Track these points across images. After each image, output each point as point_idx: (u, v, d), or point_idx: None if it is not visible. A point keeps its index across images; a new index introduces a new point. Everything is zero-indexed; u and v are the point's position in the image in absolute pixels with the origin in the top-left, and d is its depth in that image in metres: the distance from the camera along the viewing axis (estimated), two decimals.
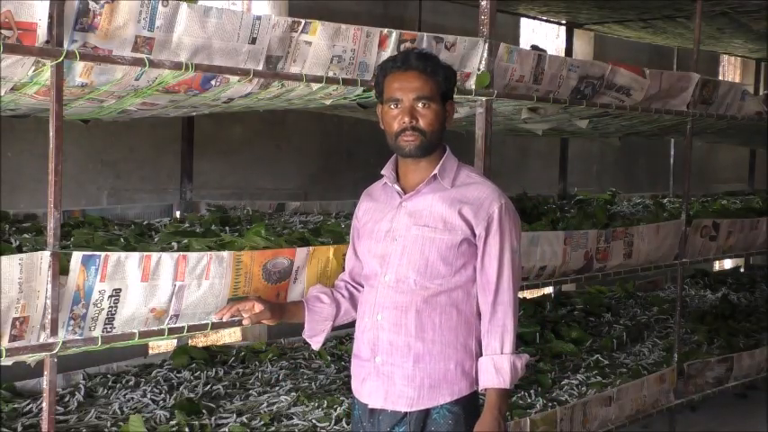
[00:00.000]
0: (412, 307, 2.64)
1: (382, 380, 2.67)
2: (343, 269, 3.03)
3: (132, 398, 4.03)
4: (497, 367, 2.62)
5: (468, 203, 2.63)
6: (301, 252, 3.05)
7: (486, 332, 2.65)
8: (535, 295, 6.97)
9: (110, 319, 2.59)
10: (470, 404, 2.69)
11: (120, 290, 2.58)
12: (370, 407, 2.69)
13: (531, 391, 4.51)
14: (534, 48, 4.45)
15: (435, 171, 2.66)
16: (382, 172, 2.76)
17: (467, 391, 2.66)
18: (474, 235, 2.64)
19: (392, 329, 2.65)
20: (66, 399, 3.96)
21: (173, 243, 3.44)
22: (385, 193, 2.76)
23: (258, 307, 2.75)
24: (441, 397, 2.64)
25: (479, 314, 2.68)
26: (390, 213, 2.70)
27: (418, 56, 2.67)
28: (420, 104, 2.61)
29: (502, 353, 2.63)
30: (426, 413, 2.64)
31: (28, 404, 3.82)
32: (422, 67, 2.63)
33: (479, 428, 2.60)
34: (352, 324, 2.97)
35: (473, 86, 3.58)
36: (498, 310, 2.64)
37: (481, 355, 2.67)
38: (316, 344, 2.88)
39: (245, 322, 2.79)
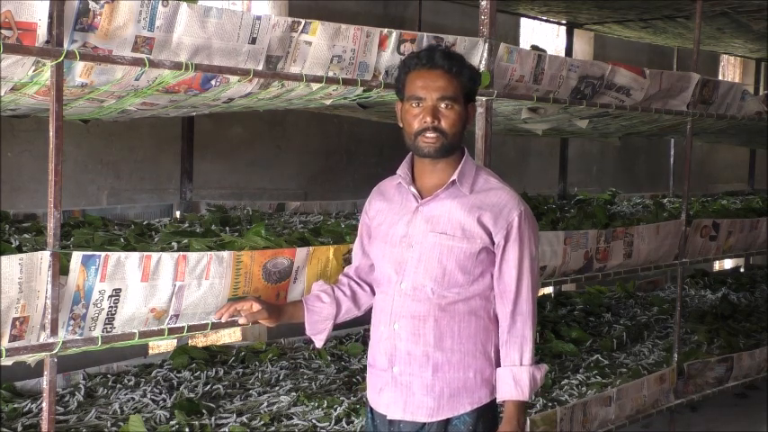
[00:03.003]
0: (430, 316, 2.59)
1: (400, 390, 2.62)
2: (343, 267, 3.02)
3: (132, 398, 4.03)
4: (516, 379, 2.58)
5: (487, 210, 2.57)
6: (301, 252, 3.05)
7: (505, 342, 2.61)
8: None
9: (110, 319, 2.59)
10: (490, 411, 2.65)
11: (120, 290, 2.58)
12: (389, 418, 2.66)
13: None
14: (534, 48, 4.45)
15: (454, 177, 2.59)
16: (398, 172, 2.69)
17: (487, 399, 2.63)
18: (492, 243, 2.58)
19: (410, 339, 2.60)
20: (66, 399, 3.96)
21: (173, 243, 3.44)
22: (399, 193, 2.70)
23: (256, 306, 2.73)
24: (461, 406, 2.60)
25: (498, 320, 2.64)
26: (406, 217, 2.64)
27: (444, 54, 2.59)
28: (443, 105, 2.54)
29: (521, 364, 2.59)
30: (446, 422, 2.60)
31: (28, 404, 3.82)
32: (447, 67, 2.56)
33: None
34: (352, 324, 2.95)
35: None
36: (517, 320, 2.60)
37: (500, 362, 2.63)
38: (318, 342, 2.86)
39: (241, 321, 2.77)
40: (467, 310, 2.60)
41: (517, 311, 2.60)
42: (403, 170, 2.68)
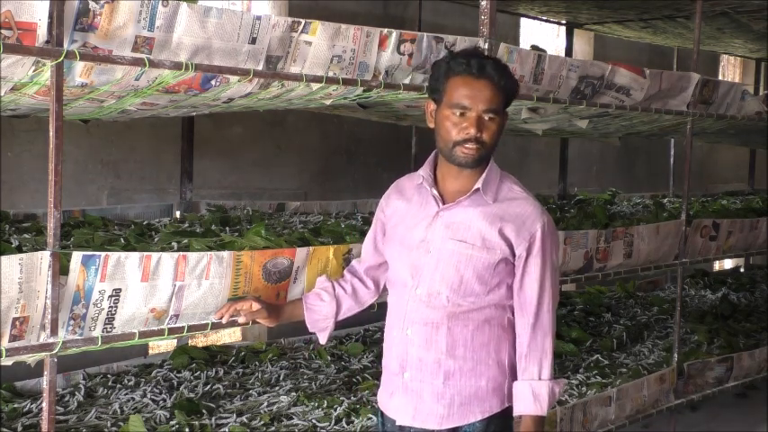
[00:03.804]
0: (443, 324, 2.55)
1: (411, 396, 2.59)
2: (344, 269, 3.02)
3: (132, 398, 4.03)
4: (536, 394, 2.54)
5: (509, 221, 2.53)
6: (301, 252, 3.04)
7: (524, 355, 2.56)
8: None
9: (110, 319, 2.59)
10: (501, 421, 2.61)
11: (120, 290, 2.58)
12: (398, 423, 2.63)
13: None
14: (534, 48, 4.45)
15: (479, 185, 2.54)
16: (420, 172, 2.63)
17: (498, 408, 2.58)
18: (513, 254, 2.54)
19: (422, 345, 2.57)
20: (66, 399, 3.96)
21: (173, 243, 3.44)
22: (419, 194, 2.64)
23: (255, 306, 2.74)
24: (471, 415, 2.56)
25: (513, 328, 2.60)
26: (425, 221, 2.58)
27: (494, 65, 2.52)
28: (488, 117, 2.48)
29: (540, 378, 2.55)
30: (455, 430, 2.58)
31: (28, 404, 3.82)
32: (496, 79, 2.49)
33: None
34: (352, 324, 2.94)
35: None
36: (538, 333, 2.56)
37: (515, 369, 2.59)
38: (322, 338, 2.85)
39: (240, 320, 2.77)
40: (481, 318, 2.56)
41: (538, 325, 2.56)
42: (425, 171, 2.62)
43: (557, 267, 2.60)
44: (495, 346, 2.58)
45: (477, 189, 2.54)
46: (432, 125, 2.58)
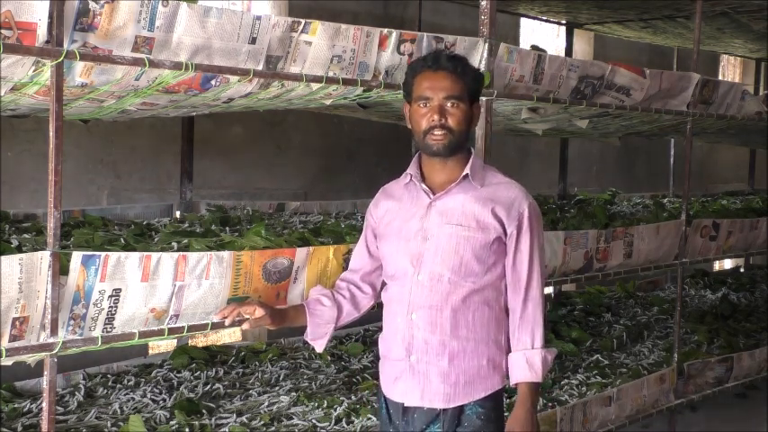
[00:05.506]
0: (447, 306, 2.68)
1: (418, 378, 2.70)
2: (344, 269, 3.03)
3: (132, 398, 4.03)
4: (530, 362, 2.68)
5: (499, 203, 2.69)
6: (301, 252, 3.05)
7: (517, 327, 2.71)
8: None
9: (110, 319, 2.59)
10: (499, 399, 2.76)
11: (120, 290, 2.58)
12: (405, 405, 2.73)
13: None
14: (534, 48, 4.45)
15: (467, 171, 2.70)
16: (408, 171, 2.78)
17: (498, 386, 2.73)
18: (505, 233, 2.69)
19: (427, 329, 2.69)
20: (66, 399, 3.96)
21: (173, 243, 3.44)
22: (408, 192, 2.78)
23: (259, 312, 2.75)
24: (475, 393, 2.70)
25: (507, 310, 2.74)
26: (420, 212, 2.72)
27: (449, 57, 2.72)
28: (449, 104, 2.65)
29: (533, 347, 2.69)
30: (460, 410, 2.69)
31: (28, 404, 3.82)
32: (452, 68, 2.67)
33: (513, 423, 2.67)
34: (352, 324, 2.95)
35: None
36: (529, 306, 2.71)
37: (509, 349, 2.73)
38: (319, 347, 2.90)
39: (244, 327, 2.80)
40: (480, 299, 2.69)
41: (528, 298, 2.71)
42: (413, 169, 2.77)
43: (542, 246, 2.77)
44: (494, 327, 2.72)
45: (466, 175, 2.70)
46: (409, 125, 2.76)
